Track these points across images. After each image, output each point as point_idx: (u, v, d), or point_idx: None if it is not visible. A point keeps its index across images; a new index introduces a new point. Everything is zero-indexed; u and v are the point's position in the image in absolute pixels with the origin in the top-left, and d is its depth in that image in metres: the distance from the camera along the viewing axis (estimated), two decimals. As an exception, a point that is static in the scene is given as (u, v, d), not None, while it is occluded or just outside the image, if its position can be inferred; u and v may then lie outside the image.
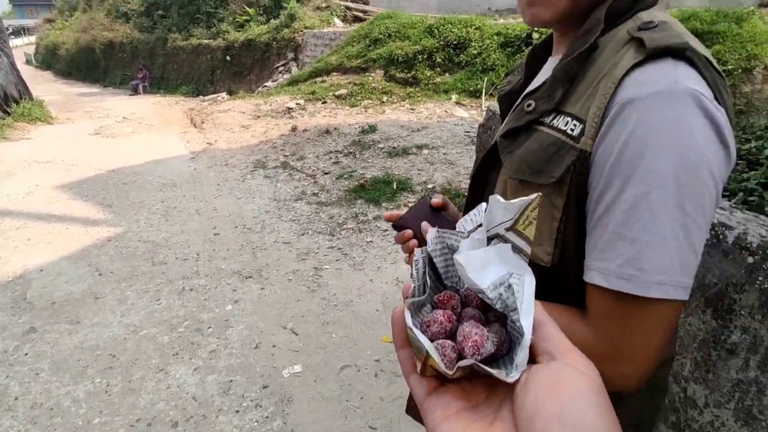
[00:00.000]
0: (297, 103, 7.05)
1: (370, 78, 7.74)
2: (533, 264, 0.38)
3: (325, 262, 2.83)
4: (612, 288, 0.47)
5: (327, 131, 5.18)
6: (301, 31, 10.75)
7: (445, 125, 5.09)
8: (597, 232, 0.49)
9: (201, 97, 11.30)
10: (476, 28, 7.16)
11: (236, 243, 3.13)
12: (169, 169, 4.75)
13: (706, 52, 0.51)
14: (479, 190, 0.71)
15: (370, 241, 3.04)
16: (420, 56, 7.44)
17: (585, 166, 0.50)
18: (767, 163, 2.52)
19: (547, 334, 0.27)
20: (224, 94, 10.67)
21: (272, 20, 11.87)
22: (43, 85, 13.68)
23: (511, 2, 8.66)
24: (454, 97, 6.43)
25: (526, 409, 0.24)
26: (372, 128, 5.02)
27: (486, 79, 6.26)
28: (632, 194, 0.46)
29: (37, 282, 2.70)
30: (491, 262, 0.31)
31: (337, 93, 7.45)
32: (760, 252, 1.00)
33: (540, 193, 0.31)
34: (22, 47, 28.51)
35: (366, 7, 11.40)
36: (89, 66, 17.36)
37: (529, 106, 0.58)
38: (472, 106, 6.01)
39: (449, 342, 0.28)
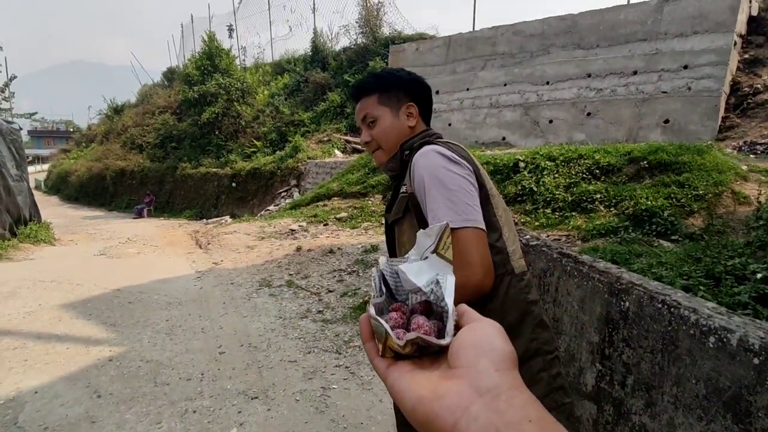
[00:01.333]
0: (300, 225, 7.39)
1: (369, 202, 8.25)
2: None
3: (333, 382, 2.77)
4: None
5: (330, 251, 5.39)
6: (304, 161, 11.68)
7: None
8: (431, 216, 0.96)
9: (204, 220, 11.76)
10: (466, 159, 7.87)
11: (242, 362, 3.07)
12: (175, 287, 4.80)
13: (460, 145, 1.12)
14: (391, 242, 1.22)
15: None
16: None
17: (414, 199, 1.04)
18: (754, 278, 2.68)
19: (463, 312, 0.41)
20: (228, 218, 11.14)
21: (278, 151, 12.93)
22: (49, 209, 14.16)
23: (496, 136, 9.65)
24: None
25: (454, 351, 0.36)
26: (374, 248, 5.24)
27: (478, 204, 6.70)
28: (427, 194, 0.98)
29: (30, 405, 2.58)
30: (425, 270, 0.47)
31: (338, 216, 7.86)
32: (763, 353, 1.09)
33: (448, 222, 0.52)
34: (34, 174, 30.07)
35: (363, 141, 12.57)
36: (97, 192, 18.23)
37: (403, 192, 1.10)
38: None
39: (402, 329, 0.41)
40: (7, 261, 6.49)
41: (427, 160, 1.01)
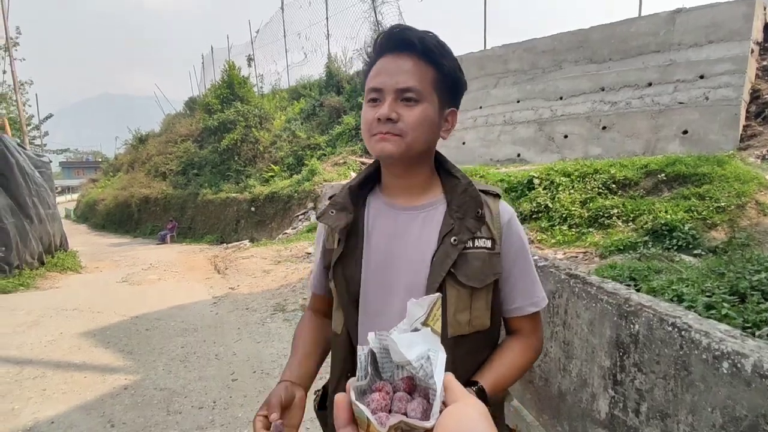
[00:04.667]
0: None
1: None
2: (478, 330, 0.87)
3: (345, 409, 2.72)
4: (536, 311, 0.94)
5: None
6: (321, 183, 11.81)
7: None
8: (519, 288, 0.91)
9: (225, 244, 11.95)
10: (481, 177, 7.85)
11: (254, 389, 3.05)
12: (192, 314, 4.85)
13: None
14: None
15: None
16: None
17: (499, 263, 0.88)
18: (781, 294, 2.55)
19: (448, 388, 0.40)
20: (247, 242, 11.29)
21: (295, 175, 13.13)
22: (77, 237, 14.63)
23: (511, 153, 9.60)
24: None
25: None
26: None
27: (493, 221, 6.62)
28: (522, 260, 0.91)
29: (47, 435, 2.61)
30: (416, 342, 0.45)
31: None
32: (780, 380, 1.03)
33: (440, 294, 0.51)
34: (64, 203, 31.22)
35: (378, 162, 12.69)
36: (123, 219, 18.77)
37: (454, 241, 0.84)
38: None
39: (384, 413, 0.40)
40: (35, 290, 6.69)
41: (518, 224, 0.93)
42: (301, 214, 11.73)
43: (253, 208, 13.32)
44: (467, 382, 0.83)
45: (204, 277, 7.04)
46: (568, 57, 8.78)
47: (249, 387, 3.10)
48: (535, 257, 2.31)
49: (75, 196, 33.70)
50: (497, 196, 0.92)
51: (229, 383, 3.17)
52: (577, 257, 4.67)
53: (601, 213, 5.24)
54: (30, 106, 19.95)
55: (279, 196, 12.58)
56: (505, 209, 0.91)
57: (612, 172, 5.73)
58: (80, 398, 3.04)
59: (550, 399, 2.09)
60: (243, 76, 16.60)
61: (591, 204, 5.48)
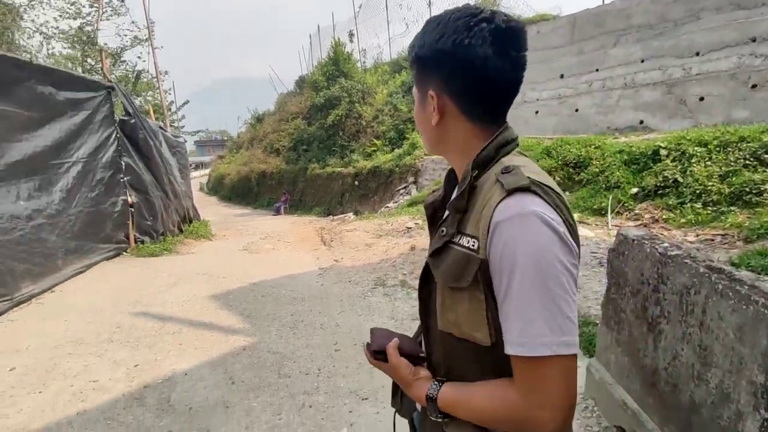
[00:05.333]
0: (415, 223, 7.43)
1: (487, 198, 7.94)
2: (478, 346, 0.73)
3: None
4: (516, 354, 0.67)
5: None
6: (421, 157, 11.72)
7: (569, 245, 4.86)
8: (503, 314, 0.69)
9: (331, 216, 12.58)
10: (596, 147, 7.09)
11: (355, 361, 3.17)
12: (300, 283, 5.20)
13: (550, 182, 0.73)
14: (426, 299, 0.86)
15: None
16: (538, 176, 7.50)
17: (486, 269, 0.70)
18: None
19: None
20: (351, 214, 11.74)
21: (396, 149, 13.20)
22: (209, 208, 16.52)
23: (633, 120, 8.51)
24: (576, 215, 6.20)
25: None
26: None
27: (611, 197, 5.98)
28: (514, 285, 0.66)
29: (181, 386, 3.00)
30: None
31: (454, 212, 7.73)
32: None
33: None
34: (198, 178, 35.43)
35: (482, 133, 12.18)
36: (244, 192, 20.74)
37: (442, 232, 0.79)
38: (596, 224, 5.71)
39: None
40: (176, 255, 7.72)
41: (528, 232, 0.66)
42: (402, 188, 11.81)
43: (356, 182, 13.75)
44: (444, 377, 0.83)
45: (312, 248, 7.49)
46: (707, 4, 7.40)
47: (350, 358, 3.22)
48: (665, 245, 1.98)
49: (207, 171, 37.97)
50: (510, 190, 0.69)
51: (332, 353, 3.34)
52: (713, 240, 4.01)
53: (747, 189, 4.42)
54: (169, 93, 22.75)
55: (381, 170, 12.78)
56: (504, 209, 0.68)
57: (764, 139, 4.75)
58: (208, 355, 3.44)
59: (679, 409, 1.81)
60: (347, 52, 16.94)
61: (734, 178, 4.64)
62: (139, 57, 23.90)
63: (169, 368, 3.25)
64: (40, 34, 15.69)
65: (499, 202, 0.69)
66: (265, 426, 2.50)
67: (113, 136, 7.22)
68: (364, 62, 19.80)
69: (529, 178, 0.70)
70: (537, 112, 10.81)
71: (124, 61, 18.37)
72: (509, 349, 0.67)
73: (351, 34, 20.15)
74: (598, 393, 2.46)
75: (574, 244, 0.70)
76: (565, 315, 0.65)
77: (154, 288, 5.30)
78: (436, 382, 0.81)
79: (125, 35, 17.41)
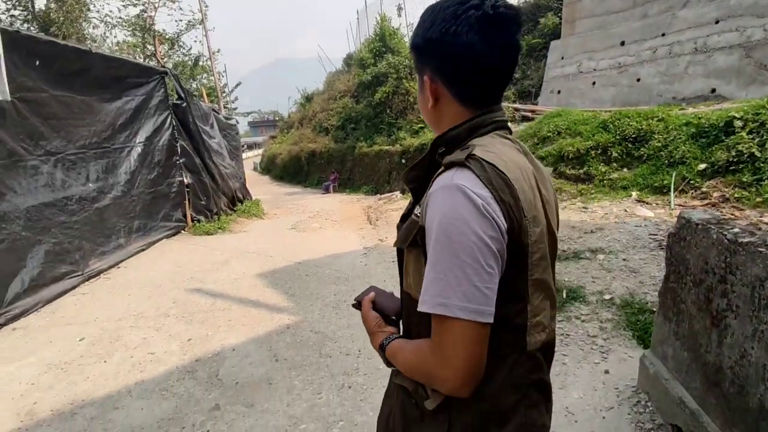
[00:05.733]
0: (462, 202, 7.25)
1: (538, 175, 7.58)
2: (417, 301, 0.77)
3: (483, 376, 2.62)
4: (420, 310, 0.73)
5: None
6: (470, 133, 11.37)
7: (625, 226, 4.54)
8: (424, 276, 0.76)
9: (378, 195, 12.59)
10: (659, 120, 6.52)
11: (394, 343, 3.16)
12: (344, 263, 5.25)
13: (504, 162, 0.75)
14: (399, 264, 0.96)
15: (565, 354, 2.73)
16: (593, 151, 7.04)
17: (423, 234, 0.77)
18: None
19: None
20: (398, 193, 11.68)
21: (444, 126, 12.88)
22: (261, 187, 17.05)
23: (703, 89, 7.74)
24: (634, 194, 5.78)
25: None
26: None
27: (674, 174, 5.51)
28: (430, 250, 0.73)
29: (229, 361, 3.13)
30: None
31: (503, 191, 7.47)
32: None
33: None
34: (252, 158, 36.63)
35: (534, 107, 11.59)
36: (295, 171, 21.19)
37: (411, 204, 0.92)
38: (657, 203, 5.29)
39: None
40: (229, 233, 8.05)
41: (446, 203, 0.72)
42: (450, 166, 11.56)
43: (403, 160, 13.61)
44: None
45: (358, 227, 7.54)
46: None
47: (390, 340, 3.21)
48: (735, 230, 1.77)
49: (260, 151, 39.12)
50: (446, 164, 0.77)
51: (373, 334, 3.34)
52: (799, 223, 3.58)
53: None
54: (223, 76, 23.45)
55: (427, 148, 12.53)
56: (437, 181, 0.76)
57: None
58: (254, 332, 3.56)
59: (745, 412, 1.64)
60: (393, 27, 16.58)
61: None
62: (195, 40, 24.69)
63: (219, 343, 3.40)
64: (105, 23, 16.60)
65: (437, 175, 0.78)
66: (305, 404, 2.56)
67: (168, 119, 7.54)
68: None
69: (472, 155, 0.74)
70: (594, 83, 10.12)
71: (182, 45, 19.09)
72: (419, 306, 0.74)
73: (399, 8, 19.70)
74: (652, 388, 2.30)
75: (503, 220, 0.72)
76: (473, 283, 0.69)
77: (208, 265, 5.56)
78: (391, 336, 0.92)
79: (180, 20, 17.99)
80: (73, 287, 4.85)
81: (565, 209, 5.71)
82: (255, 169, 29.79)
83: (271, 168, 26.16)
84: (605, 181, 6.50)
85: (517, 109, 11.98)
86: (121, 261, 5.83)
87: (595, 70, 10.10)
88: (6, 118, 4.49)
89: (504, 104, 9.65)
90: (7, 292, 4.08)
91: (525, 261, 0.77)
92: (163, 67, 7.63)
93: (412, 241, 0.81)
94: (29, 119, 4.79)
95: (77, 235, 5.15)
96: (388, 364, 0.92)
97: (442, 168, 0.77)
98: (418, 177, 0.90)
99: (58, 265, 4.75)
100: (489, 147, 0.78)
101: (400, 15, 19.61)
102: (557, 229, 0.92)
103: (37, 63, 4.96)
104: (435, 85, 0.85)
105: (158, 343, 3.46)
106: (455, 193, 0.71)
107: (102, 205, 5.74)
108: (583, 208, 5.60)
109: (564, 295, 3.36)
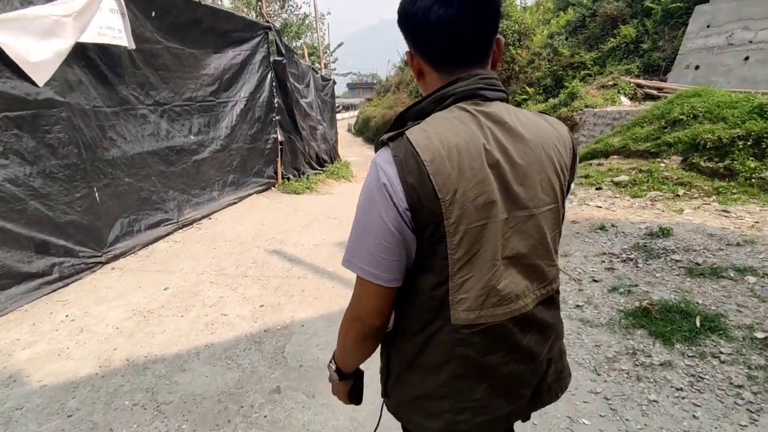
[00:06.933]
0: (566, 187, 6.46)
1: (662, 165, 6.46)
2: None
3: (584, 413, 2.15)
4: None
5: (601, 227, 4.41)
6: (581, 109, 10.16)
7: (787, 242, 3.59)
8: None
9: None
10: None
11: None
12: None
13: (419, 139, 0.77)
14: None
15: (654, 401, 2.19)
16: (740, 142, 5.78)
17: None
18: None
19: None
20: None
21: (551, 99, 11.71)
22: (353, 148, 17.13)
23: None
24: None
25: None
26: (664, 231, 3.98)
27: None
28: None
29: (296, 338, 2.98)
30: None
31: (615, 179, 6.50)
32: None
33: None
34: (348, 119, 37.19)
35: (662, 84, 9.97)
36: (387, 136, 21.04)
37: None
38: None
39: None
40: (316, 194, 8.07)
41: (368, 177, 0.81)
42: (554, 144, 10.50)
43: (501, 133, 12.71)
44: None
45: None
46: None
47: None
48: None
49: (356, 112, 39.58)
50: (381, 140, 0.82)
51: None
52: None
53: None
54: (325, 36, 23.54)
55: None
56: (376, 155, 0.82)
57: None
58: (325, 308, 3.39)
59: None
60: (506, -13, 15.18)
61: None
62: (305, 2, 24.90)
63: (289, 315, 3.28)
64: (223, -20, 17.24)
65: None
66: (370, 407, 2.29)
67: (269, 76, 7.57)
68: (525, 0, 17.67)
69: (401, 133, 0.79)
70: (746, 59, 8.36)
71: (292, 5, 19.36)
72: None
73: (514, -34, 17.96)
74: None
75: (402, 200, 0.76)
76: (370, 252, 0.80)
77: (290, 227, 5.54)
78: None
79: (293, -21, 18.14)
80: (168, 234, 5.09)
81: (697, 210, 4.76)
82: (349, 130, 30.20)
83: (364, 130, 26.29)
84: (754, 180, 5.32)
85: (639, 86, 10.40)
86: (213, 213, 6.04)
87: (750, 42, 8.31)
88: (122, 67, 4.67)
89: (625, 78, 8.33)
90: (109, 234, 4.34)
91: (439, 239, 0.78)
92: (268, 22, 7.60)
93: None
94: (142, 69, 4.95)
95: (174, 185, 5.36)
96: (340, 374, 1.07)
97: (380, 146, 0.82)
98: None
99: (155, 213, 4.99)
100: (429, 123, 0.80)
101: (515, -27, 17.87)
102: (561, 202, 0.89)
103: (153, 14, 5.09)
104: (415, 59, 0.87)
105: (232, 305, 3.43)
106: (372, 169, 0.80)
107: (200, 157, 5.92)
108: (723, 211, 4.60)
109: (697, 323, 2.69)
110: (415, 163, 0.75)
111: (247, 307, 3.40)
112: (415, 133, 0.77)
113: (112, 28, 4.21)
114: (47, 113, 3.72)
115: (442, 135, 0.77)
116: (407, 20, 0.83)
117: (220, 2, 16.41)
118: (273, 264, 4.27)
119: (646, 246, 3.88)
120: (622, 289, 3.29)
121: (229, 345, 2.88)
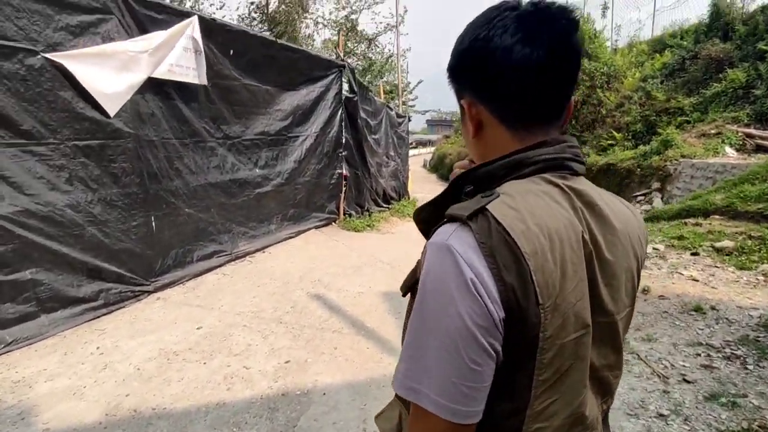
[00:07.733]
0: (654, 249, 5.61)
1: (781, 232, 5.41)
2: None
3: None
4: (393, 388, 0.63)
5: (698, 307, 3.64)
6: (676, 159, 9.10)
7: None
8: None
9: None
10: None
11: None
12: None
13: (512, 222, 0.58)
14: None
15: None
16: None
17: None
18: None
19: None
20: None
21: (641, 146, 10.69)
22: (425, 185, 16.92)
23: None
24: None
25: None
26: (785, 325, 3.16)
27: None
28: (412, 314, 0.63)
29: (314, 409, 2.64)
30: None
31: (717, 244, 5.53)
32: None
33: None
34: (424, 154, 37.35)
35: (782, 134, 8.64)
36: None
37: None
38: None
39: None
40: (376, 232, 7.86)
41: (434, 265, 0.59)
42: (641, 195, 9.48)
43: (582, 181, 11.78)
44: None
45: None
46: None
47: None
48: None
49: (433, 149, 39.72)
50: (448, 215, 0.63)
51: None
52: None
53: None
54: (407, 73, 24.04)
55: (616, 168, 10.55)
56: (435, 233, 0.63)
57: None
58: (354, 375, 3.03)
59: None
60: (595, 30, 14.47)
61: None
62: (389, 42, 25.99)
63: (313, 378, 2.96)
64: (315, 24, 18.37)
65: (440, 224, 0.65)
66: None
67: (339, 112, 7.63)
68: (616, 41, 16.73)
69: (483, 209, 0.59)
70: None
71: (377, 44, 20.10)
72: (392, 380, 0.66)
73: (605, 8, 17.23)
74: None
75: (499, 307, 0.56)
76: (449, 378, 0.57)
77: (340, 268, 5.32)
78: None
79: (380, 22, 18.88)
80: (219, 265, 5.08)
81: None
82: (424, 166, 30.19)
83: (439, 167, 26.11)
84: None
85: (749, 136, 9.11)
86: (268, 246, 6.01)
87: None
88: (197, 101, 4.85)
89: (731, 127, 7.26)
90: (160, 263, 4.39)
91: (528, 357, 0.60)
92: (342, 60, 7.73)
93: (411, 289, 0.70)
94: (216, 104, 5.12)
95: (233, 218, 5.40)
96: None
97: (445, 219, 0.64)
98: (429, 219, 0.73)
99: (209, 244, 5.02)
100: (516, 199, 0.61)
101: (604, 15, 17.12)
102: (632, 302, 0.73)
103: (231, 52, 5.30)
104: (475, 109, 0.71)
105: (258, 357, 3.19)
106: (445, 255, 0.59)
107: (263, 190, 5.97)
108: None
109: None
110: (512, 256, 0.57)
111: (273, 361, 3.15)
112: (502, 210, 0.59)
113: (181, 66, 4.37)
114: (114, 143, 3.87)
115: (537, 216, 0.60)
116: (472, 61, 0.68)
117: (312, 43, 17.43)
118: (311, 311, 4.02)
119: (758, 340, 3.08)
120: (724, 399, 2.57)
121: (240, 407, 2.62)
